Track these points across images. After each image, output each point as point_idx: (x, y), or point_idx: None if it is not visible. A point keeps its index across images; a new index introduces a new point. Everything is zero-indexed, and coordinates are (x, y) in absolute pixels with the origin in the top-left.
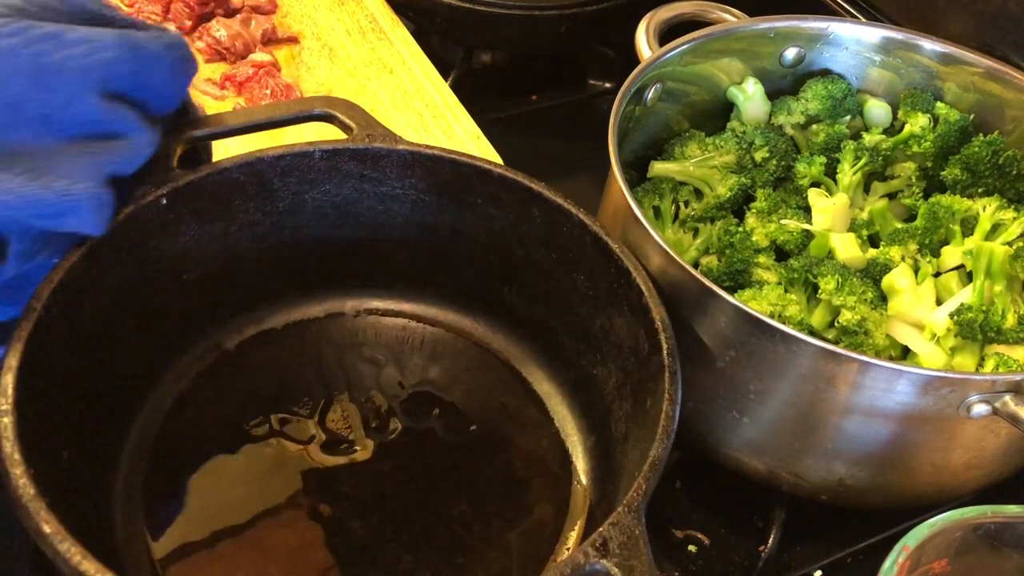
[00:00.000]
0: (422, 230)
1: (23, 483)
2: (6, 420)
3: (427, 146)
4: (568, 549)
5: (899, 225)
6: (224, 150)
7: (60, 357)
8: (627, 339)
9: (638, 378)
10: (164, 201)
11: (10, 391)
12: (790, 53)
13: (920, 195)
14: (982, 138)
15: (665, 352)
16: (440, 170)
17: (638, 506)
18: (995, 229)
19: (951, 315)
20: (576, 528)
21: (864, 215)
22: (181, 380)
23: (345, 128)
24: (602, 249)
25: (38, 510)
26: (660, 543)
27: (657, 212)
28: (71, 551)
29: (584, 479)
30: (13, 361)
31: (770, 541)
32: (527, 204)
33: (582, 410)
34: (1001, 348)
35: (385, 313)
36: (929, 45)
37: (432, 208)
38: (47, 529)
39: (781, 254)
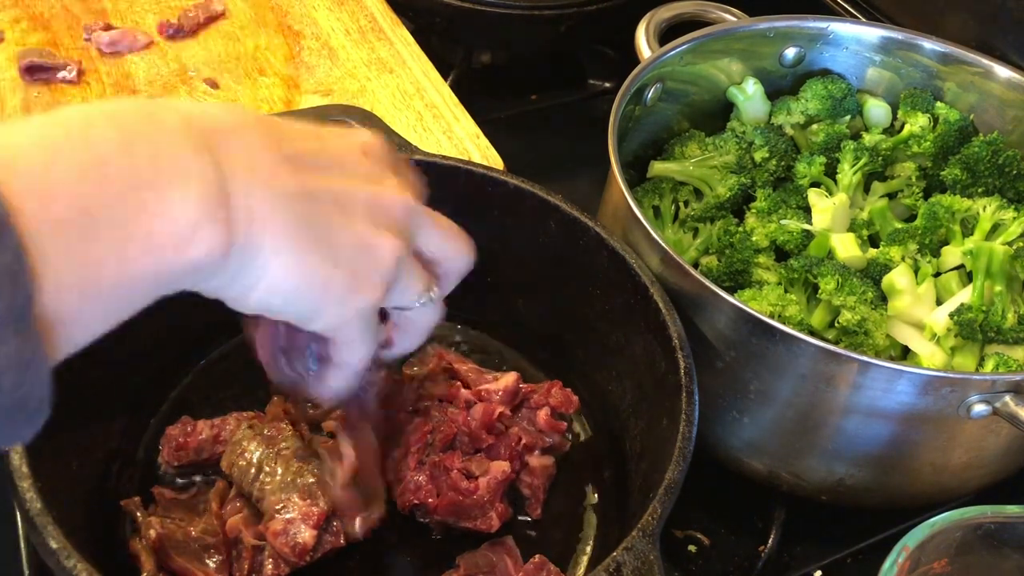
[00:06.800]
0: None
1: (30, 496)
2: None
3: (443, 156)
4: (581, 570)
5: (899, 225)
6: None
7: (70, 367)
8: (643, 356)
9: (654, 396)
10: None
11: None
12: (790, 53)
13: (920, 195)
14: (982, 138)
15: (682, 371)
16: (456, 181)
17: (653, 530)
18: (995, 229)
19: (951, 315)
20: (588, 548)
21: (864, 215)
22: (195, 390)
23: None
24: (619, 264)
25: (45, 524)
26: (660, 543)
27: (657, 212)
28: (77, 567)
29: (597, 497)
30: None
31: (770, 541)
32: (543, 216)
33: (597, 426)
34: (1001, 348)
35: None
36: (929, 45)
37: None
38: (53, 544)
39: (781, 254)
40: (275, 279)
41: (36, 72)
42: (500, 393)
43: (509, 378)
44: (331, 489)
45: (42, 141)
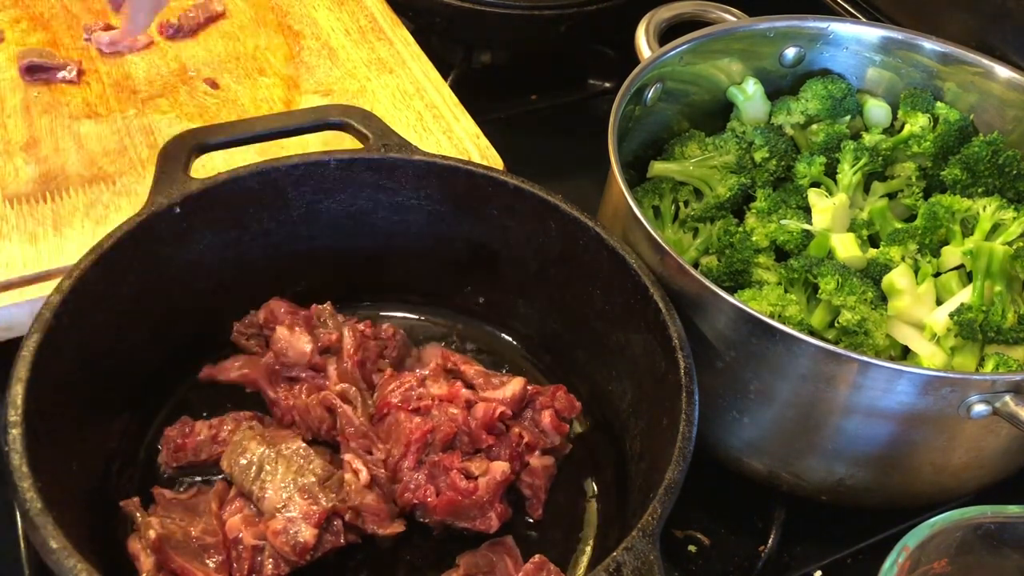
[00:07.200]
0: (437, 241)
1: (31, 496)
2: (15, 432)
3: (443, 156)
4: (581, 570)
5: (899, 225)
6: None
7: (71, 368)
8: (643, 356)
9: (654, 396)
10: (177, 210)
11: (20, 402)
12: (790, 53)
13: (920, 195)
14: (982, 138)
15: (682, 371)
16: (456, 181)
17: (653, 530)
18: (995, 229)
19: (951, 315)
20: (588, 548)
21: (864, 215)
22: (196, 391)
23: (361, 137)
24: (619, 263)
25: (45, 524)
26: (660, 543)
27: (657, 212)
28: (77, 567)
29: (597, 497)
30: (23, 372)
31: (770, 541)
32: (543, 216)
33: (597, 426)
34: (1001, 348)
35: (399, 323)
36: (929, 45)
37: (447, 219)
38: (53, 544)
39: (781, 254)
40: None
41: (36, 72)
42: (507, 401)
43: (516, 384)
44: (358, 492)
45: None
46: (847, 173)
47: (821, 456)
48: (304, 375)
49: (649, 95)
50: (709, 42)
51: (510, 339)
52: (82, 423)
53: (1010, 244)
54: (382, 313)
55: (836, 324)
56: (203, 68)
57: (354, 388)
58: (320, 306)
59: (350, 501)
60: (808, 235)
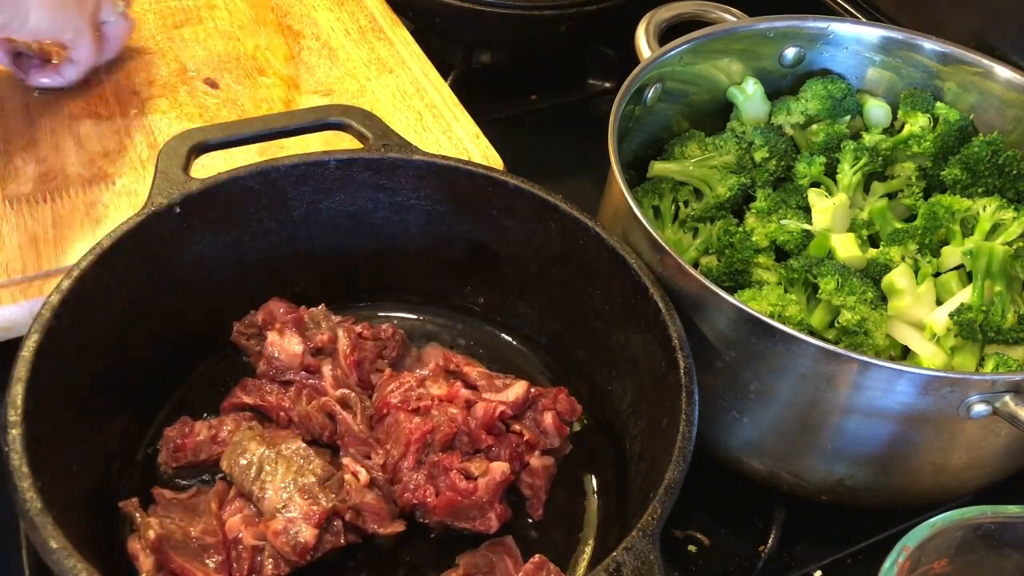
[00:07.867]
0: (436, 241)
1: (30, 496)
2: (15, 432)
3: (442, 156)
4: (581, 570)
5: (899, 225)
6: None
7: (71, 368)
8: (643, 356)
9: (654, 396)
10: (177, 210)
11: (20, 402)
12: (790, 53)
13: (920, 195)
14: (982, 138)
15: (682, 371)
16: (455, 180)
17: (653, 530)
18: (995, 229)
19: (951, 315)
20: (588, 548)
21: (864, 215)
22: (196, 391)
23: (361, 137)
24: (619, 263)
25: (45, 524)
26: (660, 543)
27: (657, 212)
28: (77, 567)
29: (597, 497)
30: (23, 372)
31: (770, 541)
32: (543, 216)
33: (597, 425)
34: (1001, 348)
35: (398, 323)
36: (929, 45)
37: (447, 218)
38: (53, 544)
39: (781, 254)
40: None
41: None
42: (510, 403)
43: (520, 388)
44: (358, 492)
45: None
46: (847, 173)
47: (821, 456)
48: (298, 377)
49: (649, 95)
50: (709, 42)
51: (510, 339)
52: (82, 423)
53: (1010, 244)
54: (381, 313)
55: (836, 324)
56: (203, 68)
57: (354, 394)
58: (314, 308)
59: (350, 501)
60: (808, 235)
